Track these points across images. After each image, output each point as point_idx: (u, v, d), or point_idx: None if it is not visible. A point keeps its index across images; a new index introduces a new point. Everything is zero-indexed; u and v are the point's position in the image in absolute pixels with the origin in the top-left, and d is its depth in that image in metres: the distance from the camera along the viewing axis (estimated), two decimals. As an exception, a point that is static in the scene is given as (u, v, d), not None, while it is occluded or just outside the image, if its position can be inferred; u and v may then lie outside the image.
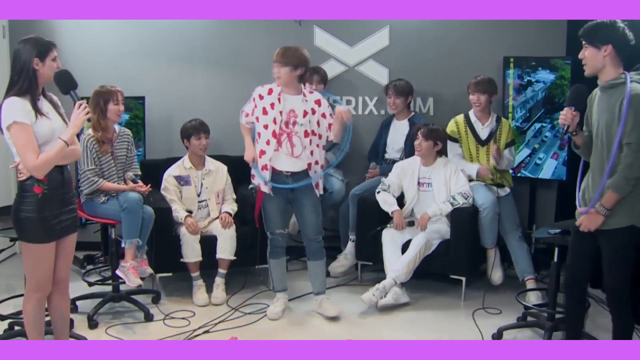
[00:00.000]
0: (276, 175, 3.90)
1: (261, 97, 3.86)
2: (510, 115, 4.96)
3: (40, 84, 2.93)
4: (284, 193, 3.95)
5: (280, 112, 3.82)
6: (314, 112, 3.87)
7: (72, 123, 2.95)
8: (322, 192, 4.09)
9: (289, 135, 3.84)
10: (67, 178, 3.04)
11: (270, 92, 3.86)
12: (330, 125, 3.90)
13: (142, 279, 4.13)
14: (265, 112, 3.84)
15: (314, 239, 4.03)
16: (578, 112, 3.05)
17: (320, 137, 3.93)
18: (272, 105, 3.82)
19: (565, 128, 3.06)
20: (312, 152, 3.89)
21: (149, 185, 4.10)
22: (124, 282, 3.95)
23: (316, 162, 3.94)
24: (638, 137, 2.78)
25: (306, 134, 3.85)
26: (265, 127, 3.84)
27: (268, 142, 3.85)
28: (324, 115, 3.90)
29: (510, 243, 4.48)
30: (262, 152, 3.88)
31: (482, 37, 5.15)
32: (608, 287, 2.98)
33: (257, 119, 3.88)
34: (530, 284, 4.37)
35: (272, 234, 4.04)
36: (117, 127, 4.10)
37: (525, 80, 4.93)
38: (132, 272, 3.89)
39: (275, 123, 3.81)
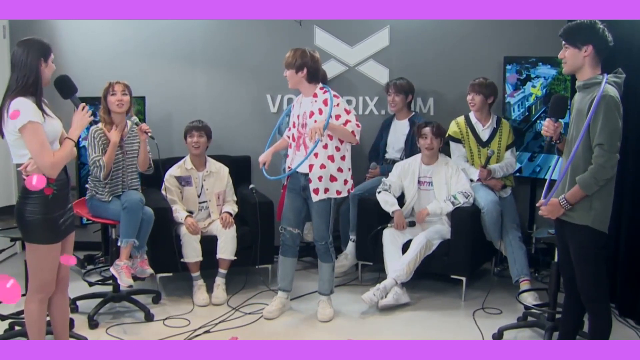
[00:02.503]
0: (295, 175, 3.96)
1: (293, 106, 4.05)
2: (510, 114, 4.94)
3: (43, 85, 2.94)
4: (298, 191, 3.98)
5: (298, 116, 3.92)
6: (320, 112, 3.81)
7: (77, 124, 2.98)
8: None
9: (303, 138, 3.89)
10: (69, 177, 3.08)
11: (299, 98, 4.00)
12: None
13: (143, 279, 4.13)
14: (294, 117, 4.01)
15: (318, 241, 4.06)
16: (560, 122, 3.08)
17: (331, 138, 3.83)
18: (296, 109, 3.97)
19: (548, 139, 3.10)
20: (316, 155, 3.82)
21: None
22: (123, 282, 3.95)
23: (322, 166, 3.83)
24: (609, 138, 2.79)
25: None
26: (291, 131, 4.01)
27: (291, 145, 4.01)
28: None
29: (510, 243, 4.47)
30: (289, 156, 4.05)
31: (482, 37, 5.14)
32: (579, 288, 2.98)
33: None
34: (525, 285, 4.36)
35: (282, 229, 4.09)
36: (129, 122, 4.09)
37: (524, 75, 4.81)
38: (125, 271, 3.88)
39: (294, 126, 3.96)
